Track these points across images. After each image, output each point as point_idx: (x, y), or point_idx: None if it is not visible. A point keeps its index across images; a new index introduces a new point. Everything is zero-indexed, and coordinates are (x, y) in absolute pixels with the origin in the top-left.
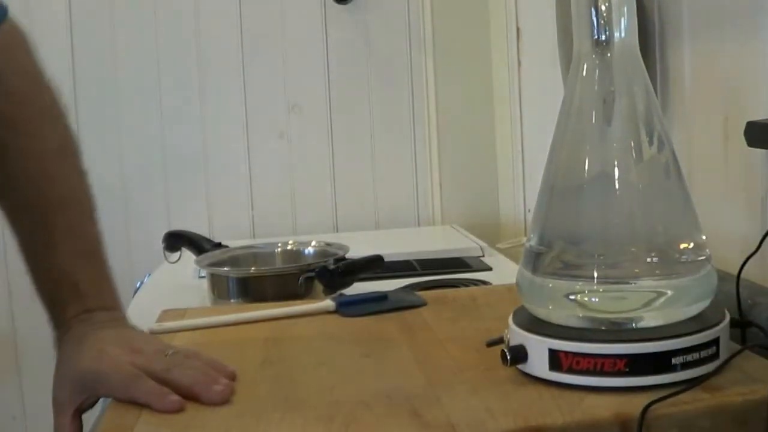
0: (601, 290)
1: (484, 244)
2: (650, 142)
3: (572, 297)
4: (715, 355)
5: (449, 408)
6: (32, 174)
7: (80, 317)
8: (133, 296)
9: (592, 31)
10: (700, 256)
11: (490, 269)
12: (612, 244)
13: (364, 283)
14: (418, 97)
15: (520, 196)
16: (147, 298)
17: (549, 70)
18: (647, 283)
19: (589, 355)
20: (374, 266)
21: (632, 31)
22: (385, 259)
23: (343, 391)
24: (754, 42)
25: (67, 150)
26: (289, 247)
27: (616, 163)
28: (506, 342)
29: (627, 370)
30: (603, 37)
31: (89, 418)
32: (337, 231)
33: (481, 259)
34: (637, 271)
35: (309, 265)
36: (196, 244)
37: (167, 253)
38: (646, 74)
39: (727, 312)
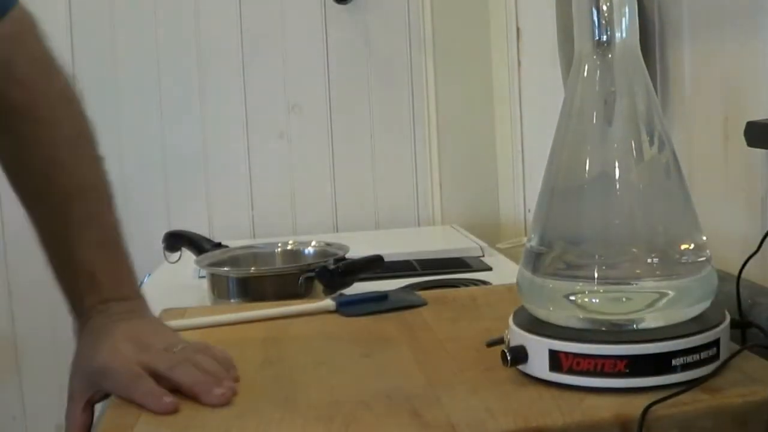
0: (601, 291)
1: (484, 244)
2: (651, 143)
3: (572, 298)
4: (716, 356)
5: (449, 408)
6: (47, 162)
7: (98, 308)
8: None
9: (594, 32)
10: (701, 256)
11: (490, 269)
12: (612, 245)
13: (364, 283)
14: (418, 97)
15: (520, 196)
16: (147, 298)
17: (549, 70)
18: (648, 284)
19: (590, 356)
20: (374, 266)
21: (633, 32)
22: (385, 259)
23: (343, 391)
24: (754, 42)
25: (82, 137)
26: (289, 247)
27: (616, 163)
28: (506, 342)
29: (627, 371)
30: (604, 38)
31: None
32: (337, 231)
33: (481, 259)
34: (637, 271)
35: (309, 265)
36: (196, 244)
37: (167, 253)
38: (647, 74)
39: (727, 313)
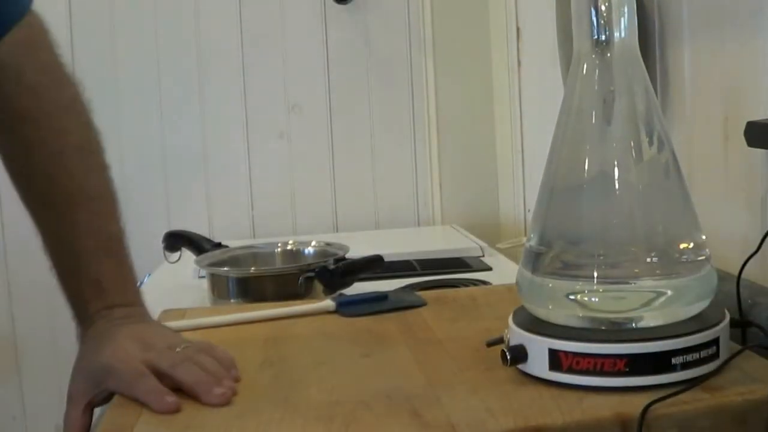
0: (601, 290)
1: (484, 244)
2: (650, 142)
3: (572, 297)
4: (715, 355)
5: (449, 408)
6: (54, 170)
7: (101, 313)
8: None
9: (592, 31)
10: (700, 256)
11: (490, 269)
12: (612, 244)
13: (364, 283)
14: (418, 97)
15: (520, 196)
16: (147, 298)
17: (549, 70)
18: (647, 283)
19: (589, 355)
20: (374, 266)
21: (632, 31)
22: (385, 259)
23: (343, 391)
24: (754, 42)
25: (90, 145)
26: (289, 247)
27: (616, 163)
28: (506, 342)
29: (627, 370)
30: (603, 37)
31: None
32: (337, 231)
33: (481, 259)
34: (637, 271)
35: (309, 265)
36: (196, 244)
37: (167, 253)
38: (646, 74)
39: (727, 312)
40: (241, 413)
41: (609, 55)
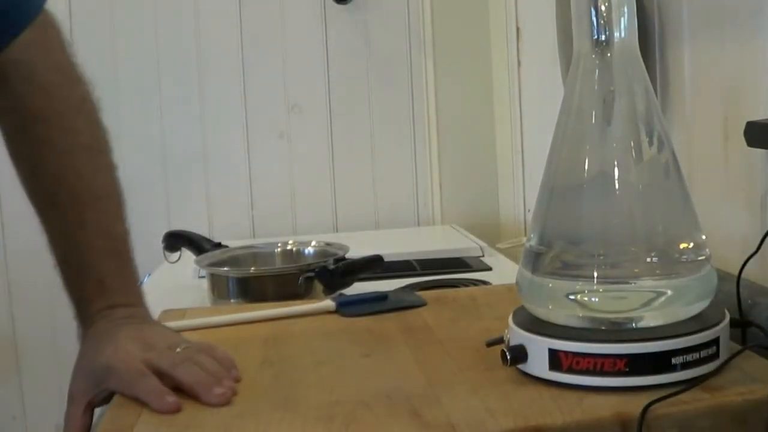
0: (601, 290)
1: (484, 244)
2: (650, 142)
3: (572, 297)
4: (715, 355)
5: (449, 408)
6: (64, 169)
7: (103, 313)
8: None
9: (592, 31)
10: (700, 255)
11: (490, 269)
12: (612, 244)
13: (364, 283)
14: (418, 97)
15: (520, 196)
16: (147, 298)
17: (549, 70)
18: (647, 282)
19: (589, 355)
20: (374, 266)
21: (632, 31)
22: (385, 259)
23: (343, 391)
24: (754, 42)
25: (99, 146)
26: (289, 247)
27: (615, 162)
28: (506, 342)
29: (627, 369)
30: (603, 37)
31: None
32: (337, 231)
33: (481, 259)
34: (637, 270)
35: (309, 265)
36: (196, 244)
37: (167, 253)
38: (646, 74)
39: (727, 312)
40: (241, 413)
41: (609, 55)
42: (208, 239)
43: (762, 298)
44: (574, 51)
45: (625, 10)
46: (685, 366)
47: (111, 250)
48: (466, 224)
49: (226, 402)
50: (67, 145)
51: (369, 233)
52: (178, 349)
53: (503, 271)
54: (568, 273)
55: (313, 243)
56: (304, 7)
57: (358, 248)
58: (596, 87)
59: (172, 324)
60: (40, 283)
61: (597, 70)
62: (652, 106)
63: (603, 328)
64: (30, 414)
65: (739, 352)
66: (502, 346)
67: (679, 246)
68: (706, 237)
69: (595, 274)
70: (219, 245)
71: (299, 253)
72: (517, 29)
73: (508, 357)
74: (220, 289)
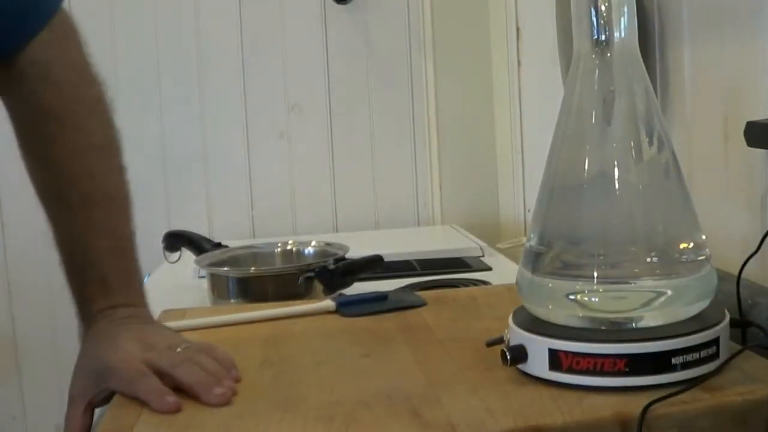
0: (601, 290)
1: (484, 244)
2: (650, 142)
3: (572, 297)
4: (715, 355)
5: (449, 408)
6: (76, 169)
7: (105, 312)
8: None
9: (592, 31)
10: (700, 255)
11: (490, 269)
12: (612, 244)
13: (364, 283)
14: (418, 97)
15: (520, 196)
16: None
17: (549, 70)
18: (647, 282)
19: (589, 355)
20: (374, 266)
21: (632, 31)
22: (385, 259)
23: (343, 391)
24: (754, 42)
25: (111, 146)
26: (289, 247)
27: (615, 162)
28: (506, 342)
29: (627, 369)
30: (603, 37)
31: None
32: (337, 231)
33: (481, 259)
34: (637, 270)
35: (309, 265)
36: (196, 244)
37: (167, 253)
38: (646, 74)
39: (727, 312)
40: (241, 413)
41: (609, 55)
42: (208, 239)
43: (762, 298)
44: (574, 51)
45: (625, 10)
46: (685, 366)
47: (116, 249)
48: (466, 224)
49: (226, 402)
50: (80, 144)
51: (369, 233)
52: (179, 349)
53: (503, 271)
54: (568, 273)
55: (313, 243)
56: (304, 7)
57: (358, 248)
58: (596, 87)
59: (172, 324)
60: (40, 283)
61: (597, 70)
62: (652, 106)
63: (603, 328)
64: (30, 414)
65: (739, 352)
66: (502, 346)
67: (679, 246)
68: (706, 237)
69: (595, 274)
70: (219, 245)
71: (299, 253)
72: (517, 29)
73: (508, 357)
74: (220, 289)
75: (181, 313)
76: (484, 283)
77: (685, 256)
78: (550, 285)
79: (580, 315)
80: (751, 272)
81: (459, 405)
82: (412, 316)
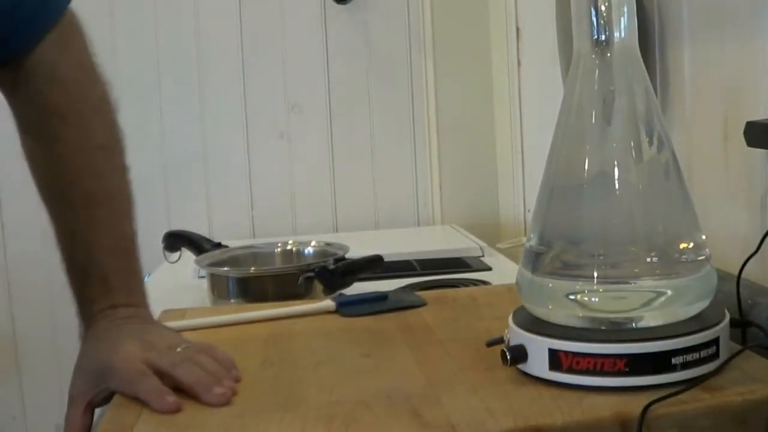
0: (601, 290)
1: (484, 244)
2: (650, 142)
3: (572, 297)
4: (715, 355)
5: (449, 408)
6: (79, 168)
7: (105, 312)
8: None
9: (592, 31)
10: (700, 255)
11: (490, 269)
12: (612, 244)
13: (364, 283)
14: (418, 97)
15: (520, 196)
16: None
17: (549, 70)
18: (647, 282)
19: (589, 355)
20: (374, 266)
21: (632, 31)
22: (385, 259)
23: (343, 391)
24: (754, 42)
25: (114, 146)
26: (289, 247)
27: (615, 162)
28: (506, 342)
29: (627, 369)
30: (603, 37)
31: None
32: (337, 231)
33: (481, 259)
34: (637, 270)
35: (309, 265)
36: (196, 244)
37: (167, 253)
38: (646, 74)
39: (727, 312)
40: (241, 413)
41: (609, 55)
42: (208, 239)
43: (762, 298)
44: (574, 51)
45: (625, 10)
46: (685, 366)
47: (118, 249)
48: (466, 224)
49: (225, 402)
50: (84, 143)
51: (369, 233)
52: (179, 349)
53: (503, 271)
54: (568, 273)
55: (313, 243)
56: (304, 7)
57: (358, 248)
58: (596, 87)
59: (172, 324)
60: (40, 283)
61: (597, 70)
62: (652, 106)
63: (603, 328)
64: (30, 414)
65: (739, 352)
66: (502, 346)
67: (679, 246)
68: (706, 237)
69: (595, 274)
70: (219, 245)
71: (299, 253)
72: (517, 29)
73: (508, 357)
74: (220, 289)
75: (181, 313)
76: (484, 283)
77: (685, 256)
78: (550, 285)
79: (580, 315)
80: (751, 272)
81: (459, 405)
82: (412, 316)
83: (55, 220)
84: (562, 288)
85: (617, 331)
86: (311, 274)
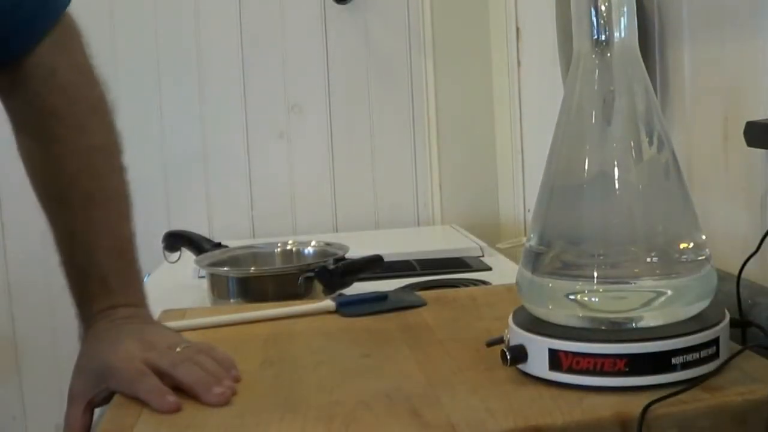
0: (601, 290)
1: (483, 244)
2: (650, 142)
3: (572, 297)
4: (715, 355)
5: (449, 408)
6: (77, 169)
7: (105, 313)
8: None
9: (592, 31)
10: (700, 255)
11: (489, 269)
12: (612, 244)
13: (364, 283)
14: (418, 97)
15: (520, 196)
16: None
17: (549, 70)
18: (647, 282)
19: (589, 355)
20: (374, 266)
21: (632, 31)
22: (385, 259)
23: (343, 391)
24: (754, 42)
25: (112, 147)
26: (288, 247)
27: (615, 162)
28: (506, 342)
29: (627, 369)
30: (603, 37)
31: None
32: (337, 231)
33: (481, 259)
34: (637, 270)
35: (309, 265)
36: (196, 244)
37: (167, 253)
38: (646, 74)
39: (727, 312)
40: (241, 413)
41: (609, 55)
42: (208, 239)
43: (762, 298)
44: (574, 51)
45: (625, 10)
46: (685, 366)
47: (116, 250)
48: (466, 224)
49: (225, 402)
50: (82, 144)
51: (369, 233)
52: (178, 349)
53: (503, 271)
54: (568, 273)
55: (313, 243)
56: (304, 7)
57: (358, 248)
58: (596, 87)
59: (172, 324)
60: (40, 284)
61: (597, 70)
62: (652, 106)
63: (603, 328)
64: (30, 414)
65: (739, 352)
66: (502, 346)
67: (679, 246)
68: (706, 237)
69: (595, 274)
70: (219, 245)
71: (299, 253)
72: (517, 29)
73: (508, 357)
74: (220, 289)
75: (181, 313)
76: (484, 283)
77: (685, 256)
78: (550, 285)
79: (580, 315)
80: (751, 272)
81: (459, 405)
82: (412, 316)
83: (53, 221)
84: (562, 288)
85: (617, 331)
86: (311, 274)
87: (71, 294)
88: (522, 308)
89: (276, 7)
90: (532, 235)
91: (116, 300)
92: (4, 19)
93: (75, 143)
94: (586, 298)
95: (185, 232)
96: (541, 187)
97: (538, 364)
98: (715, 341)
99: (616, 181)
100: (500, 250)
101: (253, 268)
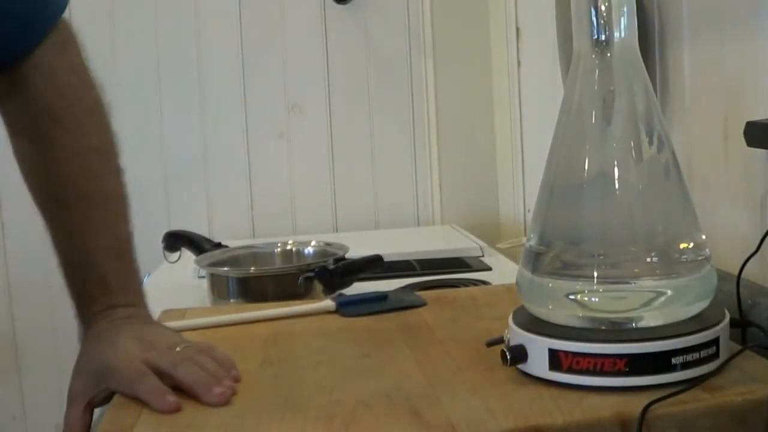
0: (601, 290)
1: (483, 244)
2: (650, 142)
3: (572, 297)
4: (715, 355)
5: (449, 408)
6: (74, 170)
7: (104, 313)
8: None
9: (592, 31)
10: (700, 255)
11: (489, 269)
12: (612, 244)
13: (364, 283)
14: (418, 97)
15: (520, 196)
16: (147, 298)
17: (549, 70)
18: (647, 282)
19: (589, 355)
20: (374, 266)
21: (632, 31)
22: (385, 259)
23: (343, 391)
24: (754, 42)
25: (109, 149)
26: (288, 247)
27: (615, 162)
28: (506, 342)
29: (627, 369)
30: (603, 37)
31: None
32: (337, 231)
33: (481, 259)
34: (637, 270)
35: (309, 265)
36: (196, 244)
37: (167, 253)
38: (646, 74)
39: (727, 312)
40: (241, 413)
41: (609, 55)
42: (208, 239)
43: (762, 298)
44: (574, 51)
45: (625, 10)
46: (685, 366)
47: (114, 250)
48: (466, 224)
49: (225, 402)
50: (79, 146)
51: (369, 233)
52: (178, 349)
53: (503, 271)
54: (568, 273)
55: (313, 243)
56: (304, 7)
57: (358, 248)
58: (596, 87)
59: (172, 324)
60: (40, 284)
61: (597, 70)
62: (652, 106)
63: (603, 328)
64: (30, 414)
65: (739, 352)
66: (502, 346)
67: (679, 246)
68: (706, 237)
69: (595, 274)
70: (219, 245)
71: (299, 253)
72: (517, 29)
73: (508, 357)
74: (220, 289)
75: (181, 313)
76: (484, 283)
77: (685, 256)
78: (550, 285)
79: (580, 315)
80: (751, 272)
81: (459, 405)
82: (412, 316)
83: (51, 222)
84: (562, 288)
85: (617, 331)
86: (311, 274)
87: (70, 295)
88: (522, 308)
89: (276, 8)
90: (532, 235)
91: (115, 300)
92: (4, 22)
93: (72, 145)
94: (586, 298)
95: (185, 232)
96: (541, 187)
97: (538, 364)
98: (715, 341)
99: (616, 181)
100: (500, 250)
101: (253, 268)
